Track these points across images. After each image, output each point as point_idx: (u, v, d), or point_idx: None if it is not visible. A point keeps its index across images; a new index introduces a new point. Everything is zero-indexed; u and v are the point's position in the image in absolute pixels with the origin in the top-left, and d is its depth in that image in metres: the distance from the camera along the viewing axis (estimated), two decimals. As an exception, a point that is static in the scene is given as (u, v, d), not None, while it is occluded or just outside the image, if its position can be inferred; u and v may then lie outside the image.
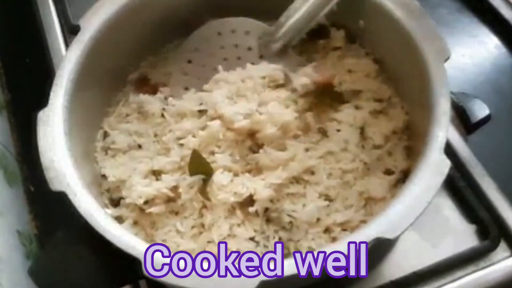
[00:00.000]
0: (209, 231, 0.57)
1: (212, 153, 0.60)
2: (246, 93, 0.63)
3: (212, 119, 0.61)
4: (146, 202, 0.59)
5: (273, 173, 0.58)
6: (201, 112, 0.63)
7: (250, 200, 0.58)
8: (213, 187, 0.58)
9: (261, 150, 0.60)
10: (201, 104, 0.63)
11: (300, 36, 0.67)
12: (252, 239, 0.57)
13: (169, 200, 0.59)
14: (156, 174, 0.61)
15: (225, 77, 0.65)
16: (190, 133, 0.61)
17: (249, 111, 0.60)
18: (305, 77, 0.65)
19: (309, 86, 0.65)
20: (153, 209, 0.58)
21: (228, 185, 0.58)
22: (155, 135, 0.64)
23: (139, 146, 0.64)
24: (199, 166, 0.58)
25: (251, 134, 0.61)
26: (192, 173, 0.58)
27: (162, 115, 0.65)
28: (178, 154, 0.60)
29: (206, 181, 0.59)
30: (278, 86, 0.65)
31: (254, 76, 0.64)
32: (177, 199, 0.59)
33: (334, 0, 0.64)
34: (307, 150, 0.61)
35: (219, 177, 0.58)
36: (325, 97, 0.65)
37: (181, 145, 0.61)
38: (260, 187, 0.57)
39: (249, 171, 0.60)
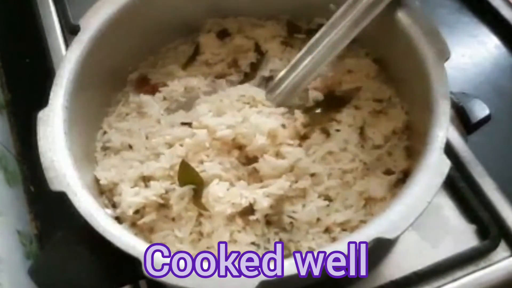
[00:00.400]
0: (209, 238, 0.57)
1: (201, 162, 0.60)
2: (225, 110, 0.63)
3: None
4: (137, 212, 0.59)
5: (275, 182, 0.58)
6: (188, 125, 0.63)
7: (249, 208, 0.57)
8: (209, 198, 0.57)
9: (260, 159, 0.59)
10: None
11: (294, 96, 0.66)
12: (253, 243, 0.57)
13: (161, 206, 0.59)
14: (146, 180, 0.61)
15: (204, 99, 0.66)
16: (179, 140, 0.61)
17: (233, 123, 0.60)
18: (315, 91, 0.66)
19: (319, 96, 0.66)
20: (145, 219, 0.58)
21: (224, 196, 0.57)
22: (147, 137, 0.64)
23: (130, 147, 0.64)
24: (189, 176, 0.58)
25: (239, 147, 0.61)
26: (182, 184, 0.58)
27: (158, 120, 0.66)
28: (168, 161, 0.60)
29: (198, 192, 0.58)
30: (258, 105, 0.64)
31: (232, 95, 0.64)
32: (169, 206, 0.59)
33: (325, 62, 0.64)
34: (307, 152, 0.61)
35: (215, 188, 0.57)
36: (327, 103, 0.66)
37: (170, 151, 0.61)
38: (259, 197, 0.56)
39: (243, 179, 0.60)
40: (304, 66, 0.65)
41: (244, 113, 0.62)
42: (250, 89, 0.66)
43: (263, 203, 0.56)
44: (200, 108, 0.63)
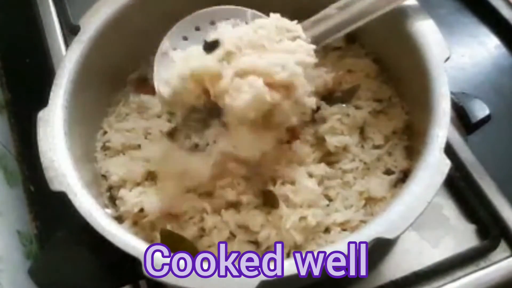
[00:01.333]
0: (210, 235, 0.57)
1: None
2: (263, 42, 0.54)
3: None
4: (142, 210, 0.59)
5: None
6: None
7: None
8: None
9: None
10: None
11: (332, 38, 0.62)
12: (252, 241, 0.57)
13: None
14: (153, 176, 0.61)
15: (229, 30, 0.57)
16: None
17: (283, 61, 0.52)
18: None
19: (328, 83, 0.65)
20: (149, 217, 0.58)
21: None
22: (146, 137, 0.64)
23: (139, 146, 0.64)
24: (174, 243, 0.55)
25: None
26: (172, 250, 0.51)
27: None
28: None
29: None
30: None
31: (267, 25, 0.56)
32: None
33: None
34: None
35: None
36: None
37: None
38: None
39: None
40: (353, 9, 0.60)
41: (286, 47, 0.55)
42: (282, 20, 0.58)
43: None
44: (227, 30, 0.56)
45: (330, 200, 0.59)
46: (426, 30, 0.59)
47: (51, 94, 0.59)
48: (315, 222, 0.55)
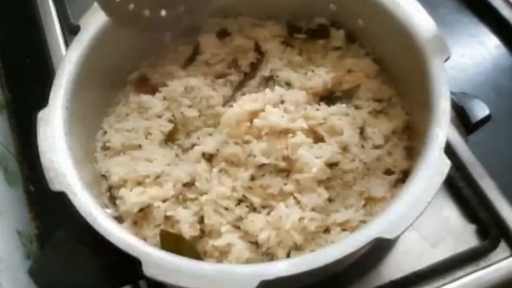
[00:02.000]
0: (210, 236, 0.57)
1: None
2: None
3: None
4: (141, 210, 0.59)
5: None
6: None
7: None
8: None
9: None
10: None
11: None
12: (252, 242, 0.57)
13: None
14: (155, 178, 0.61)
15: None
16: None
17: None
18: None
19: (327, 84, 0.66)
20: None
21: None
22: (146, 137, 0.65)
23: (140, 146, 0.64)
24: (171, 244, 0.55)
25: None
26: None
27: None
28: None
29: None
30: None
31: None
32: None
33: None
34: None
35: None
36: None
37: None
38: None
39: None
40: None
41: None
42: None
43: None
44: None
45: (330, 200, 0.59)
46: (426, 30, 0.59)
47: (51, 94, 0.59)
48: (314, 227, 0.56)
